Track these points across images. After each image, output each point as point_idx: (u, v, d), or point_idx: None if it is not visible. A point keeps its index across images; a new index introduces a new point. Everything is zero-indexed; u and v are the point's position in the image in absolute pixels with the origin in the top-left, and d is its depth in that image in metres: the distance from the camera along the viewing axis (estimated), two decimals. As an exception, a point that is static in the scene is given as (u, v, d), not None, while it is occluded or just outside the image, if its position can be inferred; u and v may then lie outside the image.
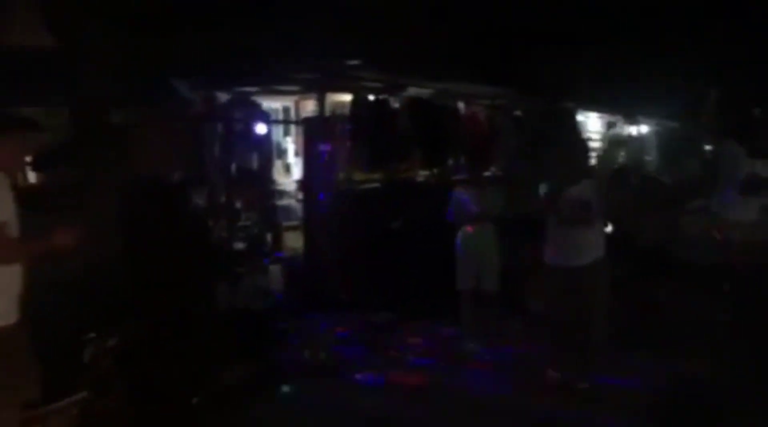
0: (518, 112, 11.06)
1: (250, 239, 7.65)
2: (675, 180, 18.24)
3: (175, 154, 5.97)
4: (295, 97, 9.29)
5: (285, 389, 5.28)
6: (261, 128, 8.01)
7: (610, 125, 15.70)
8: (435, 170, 9.43)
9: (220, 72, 7.13)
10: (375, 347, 6.27)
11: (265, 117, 8.52)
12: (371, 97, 8.35)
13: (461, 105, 9.94)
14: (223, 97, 7.95)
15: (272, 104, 9.53)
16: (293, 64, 7.69)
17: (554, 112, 11.86)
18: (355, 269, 7.44)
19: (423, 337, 6.60)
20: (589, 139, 14.34)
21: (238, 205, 7.99)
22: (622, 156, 16.31)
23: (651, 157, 18.81)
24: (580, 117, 13.88)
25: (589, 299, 4.95)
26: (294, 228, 8.56)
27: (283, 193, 9.15)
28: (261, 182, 8.48)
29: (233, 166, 8.02)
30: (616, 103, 15.02)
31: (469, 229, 6.24)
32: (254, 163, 8.43)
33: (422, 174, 9.33)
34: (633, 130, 17.35)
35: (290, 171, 9.80)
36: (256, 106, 8.28)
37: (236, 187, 7.93)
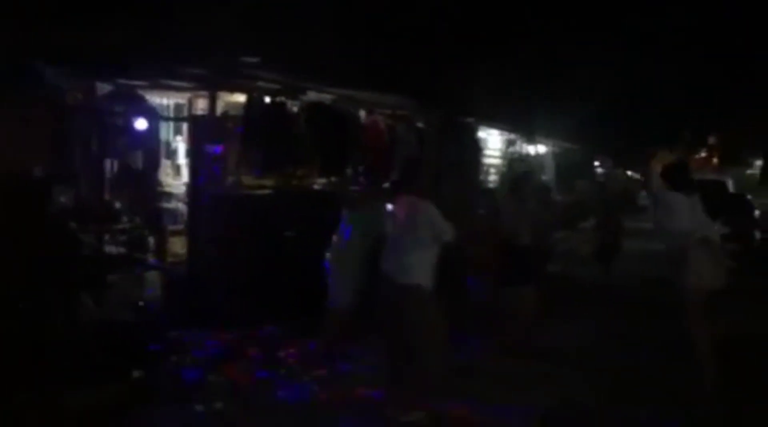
0: (420, 124, 10.94)
1: (128, 244, 7.07)
2: (568, 199, 18.88)
3: (37, 148, 5.36)
4: (187, 95, 8.79)
5: (153, 412, 4.77)
6: (144, 125, 7.43)
7: (510, 143, 15.94)
8: (333, 179, 9.12)
9: (101, 61, 6.53)
10: (257, 362, 5.82)
11: (152, 113, 7.95)
12: (267, 99, 7.94)
13: (362, 113, 9.68)
14: (104, 88, 7.33)
15: (162, 100, 9.01)
16: (184, 58, 7.20)
17: (454, 126, 11.85)
18: (240, 280, 6.98)
19: (308, 354, 6.22)
20: (489, 155, 14.49)
21: (118, 206, 7.39)
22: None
23: (548, 176, 19.30)
24: (481, 133, 13.98)
25: (410, 320, 4.69)
26: (180, 233, 8.04)
27: (170, 196, 8.61)
28: (145, 183, 7.90)
29: (113, 165, 7.42)
30: (515, 121, 15.29)
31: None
32: (138, 162, 7.86)
33: (319, 182, 9.00)
34: (531, 149, 17.72)
35: (180, 172, 9.27)
36: (142, 101, 7.70)
37: (115, 187, 7.32)
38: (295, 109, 8.28)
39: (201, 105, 8.62)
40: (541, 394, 5.39)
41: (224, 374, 5.52)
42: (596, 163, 29.05)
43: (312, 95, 8.48)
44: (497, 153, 15.47)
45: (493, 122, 14.30)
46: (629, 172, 39.03)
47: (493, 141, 15.19)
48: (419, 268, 4.72)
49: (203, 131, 7.44)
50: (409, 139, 10.31)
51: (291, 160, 8.20)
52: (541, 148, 19.04)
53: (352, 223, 5.91)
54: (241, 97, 7.89)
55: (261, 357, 5.96)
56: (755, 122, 17.03)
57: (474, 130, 13.16)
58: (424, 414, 4.71)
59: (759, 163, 22.84)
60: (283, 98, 8.03)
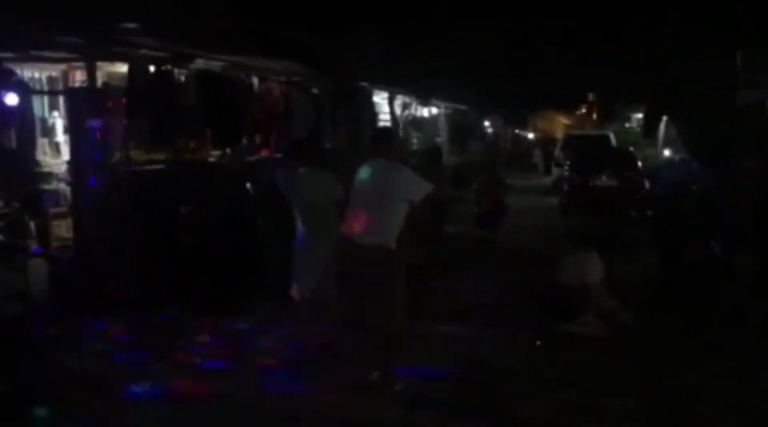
0: (315, 90, 10.68)
1: (5, 230, 6.51)
2: (462, 161, 19.19)
3: None
4: (62, 66, 8.15)
5: (41, 410, 4.40)
6: (15, 100, 6.81)
7: (405, 106, 15.93)
8: (228, 150, 8.76)
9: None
10: (157, 350, 5.47)
11: (23, 87, 7.30)
12: (152, 68, 7.46)
13: (255, 80, 9.32)
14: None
15: (34, 73, 8.33)
16: (57, 26, 6.62)
17: (349, 91, 11.66)
18: (133, 262, 6.59)
19: (213, 335, 5.94)
20: (384, 119, 14.42)
21: (-11, 189, 6.78)
22: (416, 137, 16.72)
23: (442, 138, 19.51)
24: (376, 97, 13.87)
25: (380, 280, 4.58)
26: (65, 216, 7.49)
27: (50, 176, 8.01)
28: (20, 163, 7.29)
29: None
30: (408, 85, 15.27)
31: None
32: (11, 141, 7.23)
33: (214, 154, 8.63)
34: (426, 112, 17.82)
35: (60, 150, 8.64)
36: (11, 75, 7.06)
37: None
38: (182, 78, 7.84)
39: (79, 77, 8.03)
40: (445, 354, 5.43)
41: (120, 365, 5.17)
42: (487, 124, 29.70)
43: (200, 63, 8.04)
44: (392, 116, 15.42)
45: (386, 86, 14.21)
46: (517, 131, 40.29)
47: (387, 105, 15.12)
48: (388, 228, 4.60)
49: (82, 105, 6.89)
50: (305, 106, 10.05)
51: (181, 133, 7.78)
52: (434, 110, 19.21)
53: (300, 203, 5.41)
54: (123, 67, 7.37)
55: (160, 343, 5.62)
56: (632, 78, 17.89)
57: (369, 95, 13.03)
58: (379, 374, 4.65)
59: (637, 116, 24.00)
60: (169, 67, 7.57)
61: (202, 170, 7.77)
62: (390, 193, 4.64)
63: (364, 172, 4.79)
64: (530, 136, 41.87)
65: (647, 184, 12.62)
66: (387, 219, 4.63)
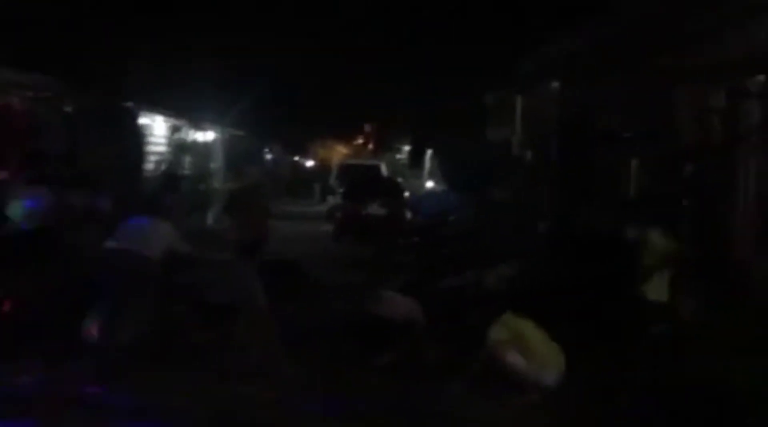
0: (68, 108, 9.80)
1: None
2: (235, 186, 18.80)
3: None
4: None
5: None
6: None
7: (175, 129, 15.24)
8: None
9: None
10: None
11: None
12: None
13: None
14: None
15: None
16: None
17: (111, 110, 10.89)
18: None
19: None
20: (152, 142, 13.69)
21: None
22: (188, 162, 16.06)
23: (216, 163, 19.00)
24: (142, 119, 13.11)
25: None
26: None
27: None
28: None
29: None
30: (180, 106, 14.68)
31: None
32: None
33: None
34: (199, 135, 17.23)
35: None
36: None
37: None
38: None
39: None
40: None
41: None
42: (266, 150, 29.59)
43: None
44: (162, 140, 14.69)
45: (156, 107, 13.50)
46: (297, 158, 40.69)
47: (157, 127, 14.38)
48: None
49: None
50: (55, 126, 9.17)
51: None
52: (210, 135, 18.65)
53: None
54: None
55: None
56: (401, 111, 19.00)
57: (134, 116, 12.27)
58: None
59: (407, 148, 25.44)
60: None
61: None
62: None
63: None
64: (309, 163, 42.55)
65: (408, 214, 13.27)
66: None
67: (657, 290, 5.30)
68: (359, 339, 5.96)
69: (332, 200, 18.64)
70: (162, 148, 14.50)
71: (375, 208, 13.69)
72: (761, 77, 5.06)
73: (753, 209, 4.84)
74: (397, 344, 5.93)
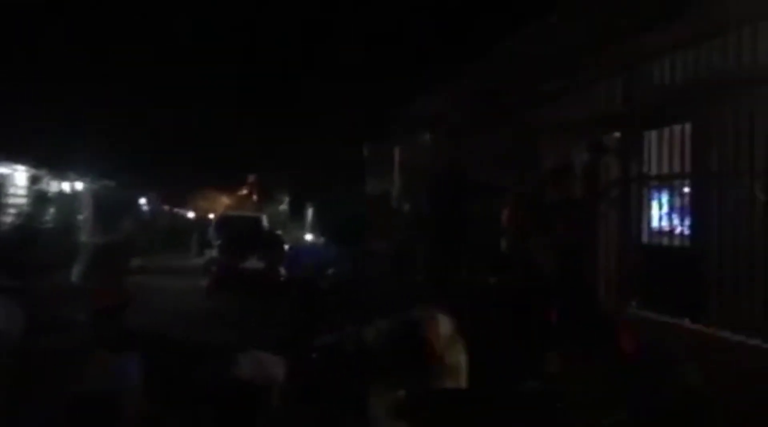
0: None
1: None
2: (110, 240, 17.82)
3: None
4: None
5: None
6: None
7: (34, 180, 14.27)
8: None
9: None
10: None
11: None
12: None
13: None
14: None
15: None
16: None
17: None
18: None
19: None
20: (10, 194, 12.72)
21: None
22: (50, 213, 15.04)
23: (85, 215, 17.98)
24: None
25: None
26: None
27: None
28: None
29: None
30: (41, 156, 13.79)
31: None
32: None
33: None
34: (64, 186, 16.24)
35: None
36: None
37: None
38: None
39: None
40: None
41: None
42: (143, 201, 28.40)
43: None
44: (21, 191, 13.70)
45: (14, 156, 12.60)
46: (176, 210, 39.37)
47: (16, 177, 13.41)
48: None
49: None
50: None
51: None
52: (78, 186, 17.64)
53: None
54: None
55: None
56: (282, 163, 18.85)
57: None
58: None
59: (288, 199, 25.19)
60: None
61: None
62: None
63: None
64: (190, 215, 41.25)
65: (282, 269, 12.91)
66: None
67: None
68: (216, 404, 5.62)
69: (210, 254, 17.97)
70: (21, 201, 13.55)
71: (253, 262, 13.25)
72: (616, 134, 5.24)
73: (613, 263, 4.94)
74: (256, 407, 5.64)
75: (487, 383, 4.94)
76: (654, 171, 4.82)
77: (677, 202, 4.67)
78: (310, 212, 18.35)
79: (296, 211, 19.11)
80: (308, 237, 17.29)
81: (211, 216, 34.41)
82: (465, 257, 7.73)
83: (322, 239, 14.54)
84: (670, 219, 4.76)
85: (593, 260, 5.08)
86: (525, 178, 6.73)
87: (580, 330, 5.14)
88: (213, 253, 15.47)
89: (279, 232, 16.05)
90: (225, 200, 40.91)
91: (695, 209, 4.55)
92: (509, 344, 5.60)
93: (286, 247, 14.48)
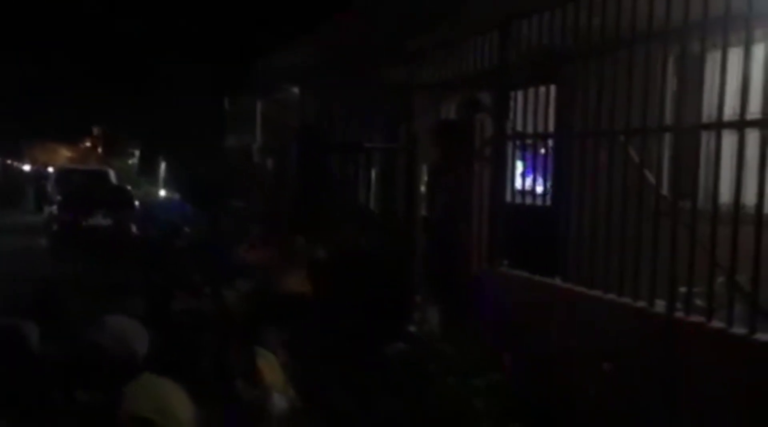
0: None
1: None
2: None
3: None
4: None
5: None
6: None
7: None
8: None
9: None
10: None
11: None
12: None
13: None
14: None
15: None
16: None
17: None
18: None
19: None
20: None
21: None
22: None
23: None
24: None
25: None
26: None
27: None
28: None
29: None
30: None
31: None
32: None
33: None
34: None
35: None
36: None
37: None
38: None
39: None
40: None
41: None
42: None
43: None
44: None
45: None
46: (9, 162, 36.12)
47: None
48: None
49: None
50: None
51: None
52: None
53: None
54: None
55: None
56: (132, 115, 17.62)
57: None
58: None
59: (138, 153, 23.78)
60: None
61: None
62: None
63: None
64: (26, 168, 38.04)
65: (133, 227, 12.13)
66: None
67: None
68: (67, 376, 5.12)
69: (49, 210, 16.60)
70: None
71: (98, 220, 12.33)
72: (488, 93, 5.21)
73: (485, 223, 4.94)
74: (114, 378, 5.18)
75: (353, 345, 4.86)
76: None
77: (539, 162, 4.74)
78: (163, 167, 17.37)
79: (148, 166, 18.01)
80: (162, 193, 16.38)
81: (51, 170, 31.92)
82: (329, 216, 7.56)
83: (176, 196, 13.80)
84: (534, 179, 4.82)
85: (469, 218, 5.07)
86: (399, 136, 6.62)
87: (450, 291, 5.15)
88: (53, 210, 14.25)
89: (129, 187, 15.04)
90: (66, 153, 38.03)
91: (555, 169, 4.64)
92: (377, 306, 5.54)
93: (137, 203, 13.60)
